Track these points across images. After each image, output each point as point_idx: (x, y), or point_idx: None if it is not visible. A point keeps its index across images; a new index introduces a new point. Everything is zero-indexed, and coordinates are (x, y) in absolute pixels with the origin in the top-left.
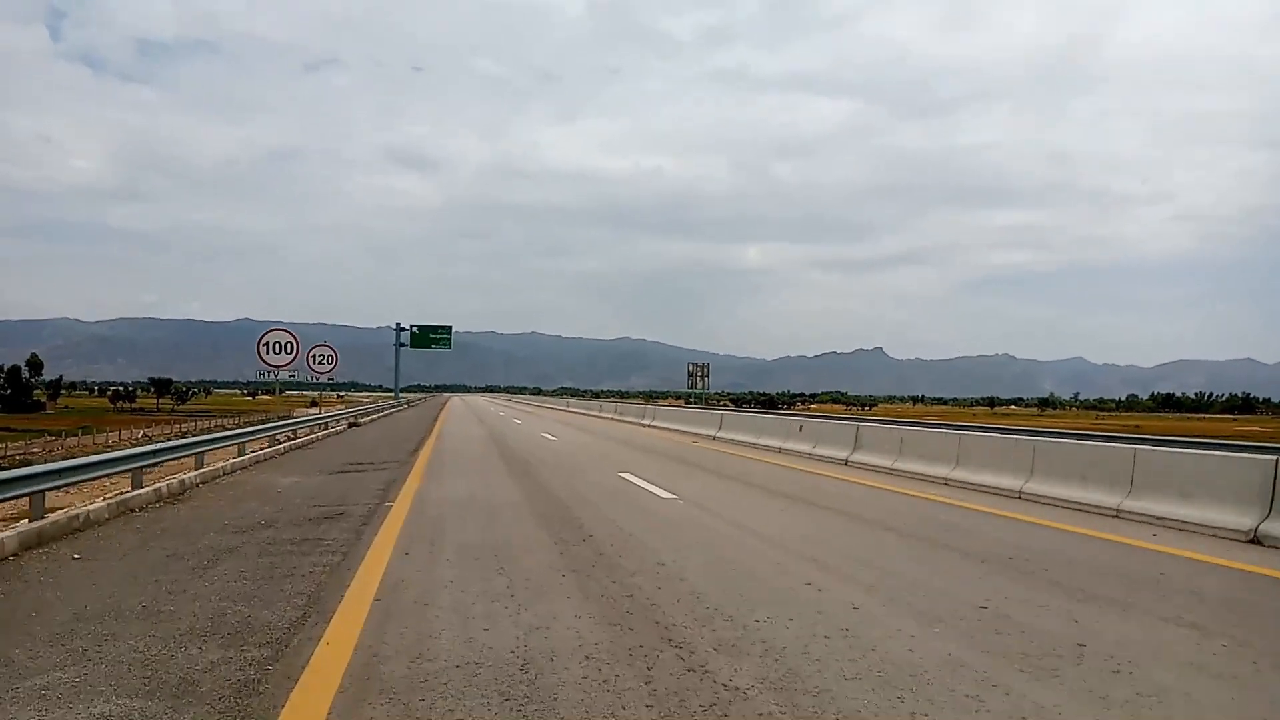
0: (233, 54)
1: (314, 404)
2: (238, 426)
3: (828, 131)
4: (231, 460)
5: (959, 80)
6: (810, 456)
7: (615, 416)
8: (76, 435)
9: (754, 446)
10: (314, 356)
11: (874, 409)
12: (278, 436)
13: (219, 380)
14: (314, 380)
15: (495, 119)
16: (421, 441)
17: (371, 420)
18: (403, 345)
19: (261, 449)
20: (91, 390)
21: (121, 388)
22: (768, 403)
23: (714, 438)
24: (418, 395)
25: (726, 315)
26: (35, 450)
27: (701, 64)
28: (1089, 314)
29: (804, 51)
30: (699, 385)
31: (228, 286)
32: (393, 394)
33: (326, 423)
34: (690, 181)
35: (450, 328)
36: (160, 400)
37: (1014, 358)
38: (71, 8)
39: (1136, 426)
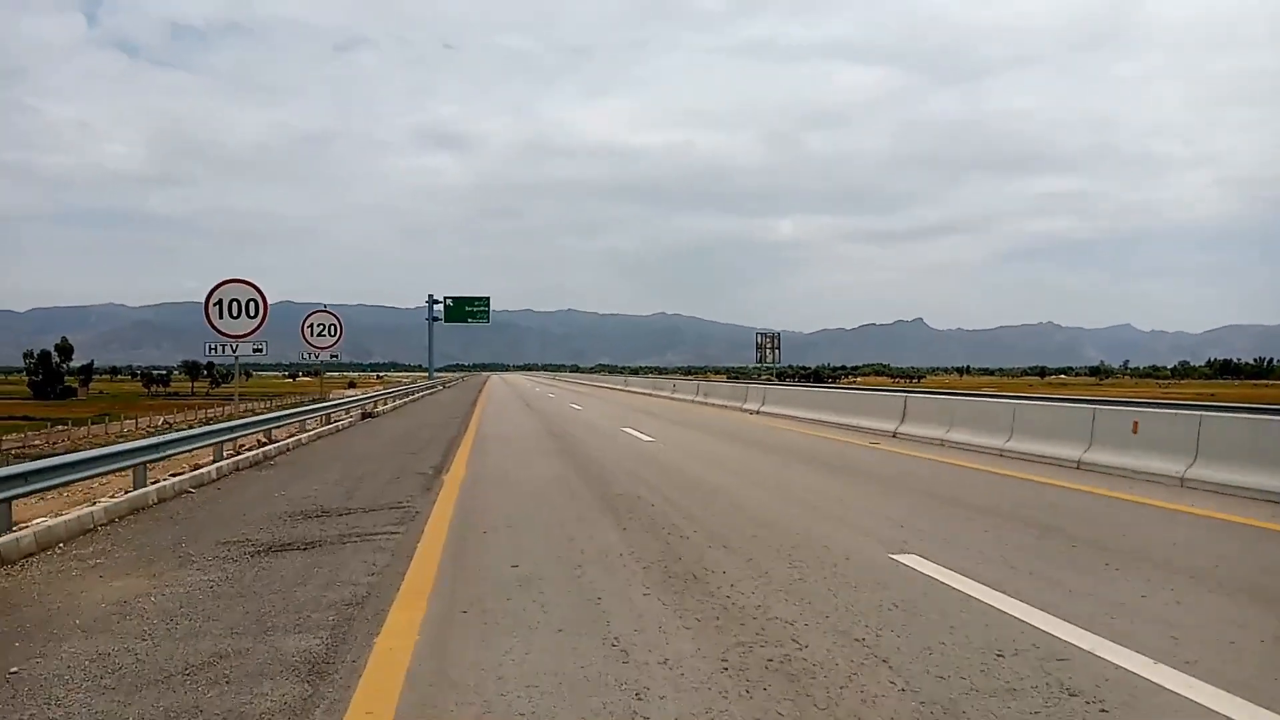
0: (263, 36)
1: (352, 385)
2: (261, 412)
3: (860, 101)
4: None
5: (994, 44)
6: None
7: (699, 399)
8: (87, 425)
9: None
10: (310, 327)
11: (922, 381)
12: (266, 436)
13: (261, 363)
14: (311, 358)
15: (526, 96)
16: (448, 455)
17: (394, 408)
18: (436, 319)
19: (249, 449)
20: (134, 375)
21: (156, 372)
22: (813, 376)
23: (934, 442)
24: (455, 374)
25: (762, 289)
26: (37, 443)
27: (731, 35)
28: (1134, 280)
29: (835, 19)
30: (768, 358)
31: (267, 269)
32: (423, 371)
33: (329, 413)
34: (722, 155)
35: (488, 299)
36: (194, 384)
37: (1058, 326)
38: None
39: (1212, 395)
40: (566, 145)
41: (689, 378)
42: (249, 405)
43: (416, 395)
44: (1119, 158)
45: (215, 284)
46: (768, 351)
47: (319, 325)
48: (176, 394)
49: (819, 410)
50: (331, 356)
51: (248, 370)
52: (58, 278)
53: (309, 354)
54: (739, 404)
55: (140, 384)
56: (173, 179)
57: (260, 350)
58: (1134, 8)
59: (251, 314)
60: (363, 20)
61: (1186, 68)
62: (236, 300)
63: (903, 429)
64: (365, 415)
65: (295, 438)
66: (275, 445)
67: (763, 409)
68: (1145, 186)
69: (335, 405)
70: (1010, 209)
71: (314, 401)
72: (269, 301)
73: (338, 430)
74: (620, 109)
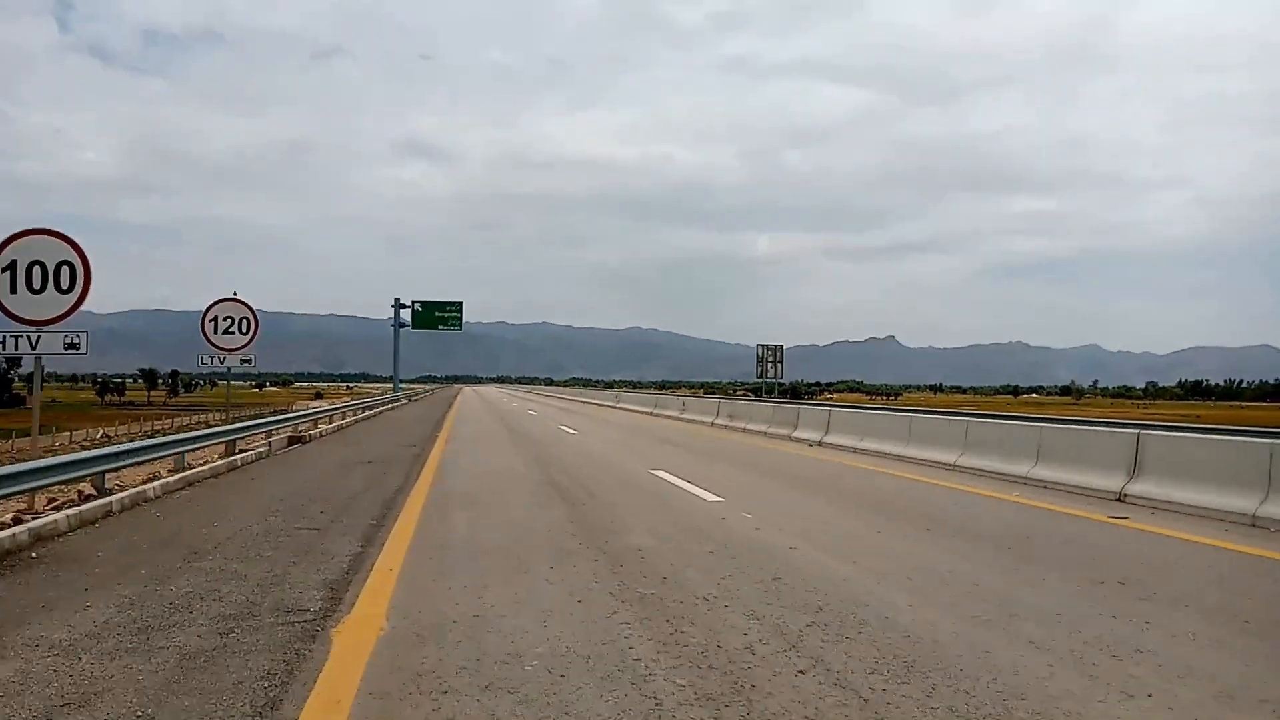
0: (241, 44)
1: (318, 395)
2: (205, 426)
3: (840, 119)
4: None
5: (972, 65)
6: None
7: (725, 422)
8: (11, 439)
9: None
10: (213, 321)
11: (897, 399)
12: (181, 462)
13: (234, 373)
14: (214, 363)
15: (506, 108)
16: (372, 542)
17: (337, 428)
18: (404, 326)
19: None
20: (96, 383)
21: (113, 380)
22: (790, 393)
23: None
24: (427, 386)
25: (738, 304)
26: None
27: (712, 51)
28: (1103, 301)
29: (815, 38)
30: (770, 373)
31: (240, 279)
32: (403, 384)
33: (238, 439)
34: (701, 170)
35: (460, 305)
36: (151, 393)
37: (1028, 345)
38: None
39: (1198, 416)
40: (546, 158)
41: (706, 396)
42: (201, 417)
43: (373, 411)
44: (1092, 178)
45: (212, 302)
46: (769, 365)
47: (226, 319)
48: (132, 403)
49: (907, 442)
50: (243, 362)
51: (214, 380)
52: None
53: (213, 357)
54: (787, 431)
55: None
56: (146, 186)
57: (249, 362)
58: (1108, 31)
59: (244, 330)
60: (341, 30)
61: (1160, 90)
62: (231, 317)
63: (1035, 471)
64: (293, 440)
65: (152, 482)
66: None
67: (826, 439)
68: (1116, 208)
69: (251, 427)
70: (985, 228)
71: (255, 418)
72: None
73: (233, 468)
74: (600, 123)
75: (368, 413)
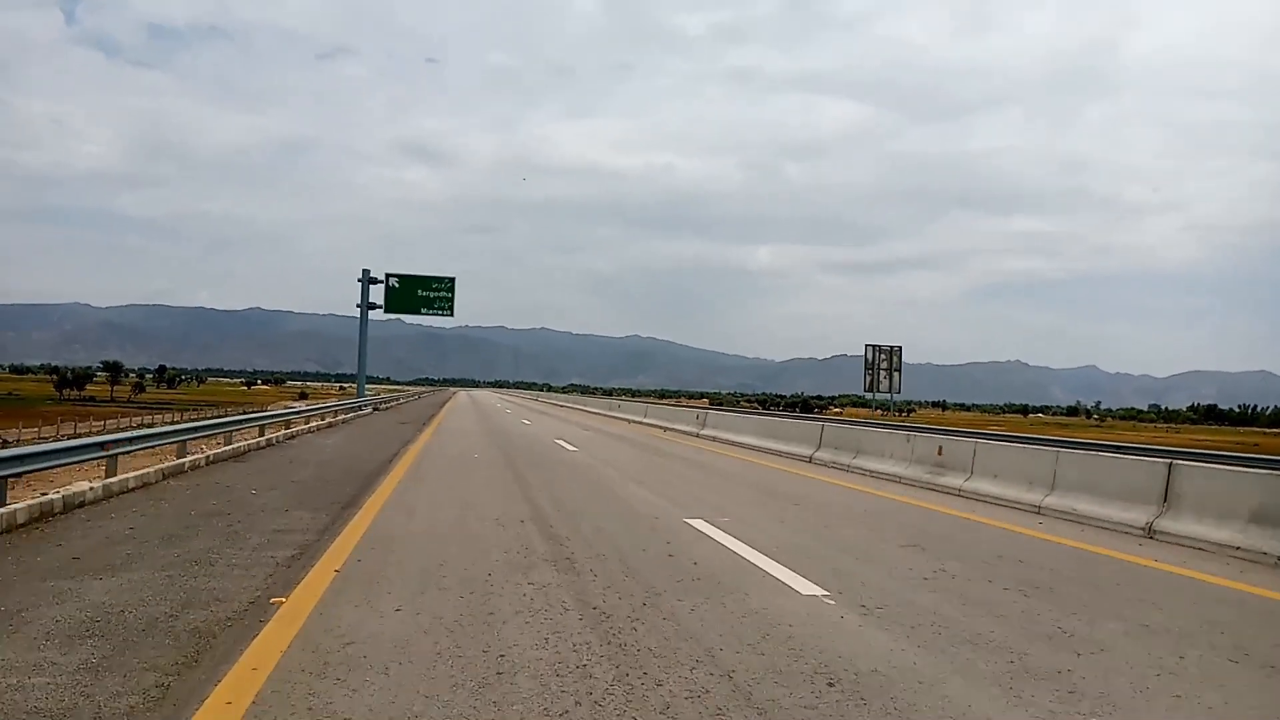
0: (245, 41)
1: (303, 395)
2: (153, 426)
3: (840, 133)
4: None
5: (972, 84)
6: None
7: (780, 447)
8: None
9: None
10: None
11: (911, 415)
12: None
13: (227, 369)
14: None
15: (507, 113)
16: None
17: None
18: (374, 307)
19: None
20: (75, 379)
21: (72, 373)
22: (801, 406)
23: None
24: (419, 389)
25: (736, 315)
26: None
27: (715, 62)
28: (1101, 322)
29: (817, 52)
30: (883, 385)
31: (238, 275)
32: (391, 385)
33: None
34: (702, 180)
35: (452, 281)
36: (114, 388)
37: (1026, 365)
38: None
39: (1256, 445)
40: (547, 163)
41: (725, 409)
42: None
43: (304, 427)
44: (1090, 200)
45: None
46: (881, 374)
47: None
48: (92, 399)
49: (1050, 487)
50: None
51: (200, 376)
52: (22, 275)
53: None
54: (847, 460)
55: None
56: (147, 180)
57: None
58: (1109, 54)
59: None
60: (346, 30)
61: (1158, 115)
62: None
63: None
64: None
65: None
66: None
67: (968, 485)
68: (1114, 230)
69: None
70: (984, 247)
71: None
72: (238, 308)
73: None
74: (602, 130)
75: (302, 425)
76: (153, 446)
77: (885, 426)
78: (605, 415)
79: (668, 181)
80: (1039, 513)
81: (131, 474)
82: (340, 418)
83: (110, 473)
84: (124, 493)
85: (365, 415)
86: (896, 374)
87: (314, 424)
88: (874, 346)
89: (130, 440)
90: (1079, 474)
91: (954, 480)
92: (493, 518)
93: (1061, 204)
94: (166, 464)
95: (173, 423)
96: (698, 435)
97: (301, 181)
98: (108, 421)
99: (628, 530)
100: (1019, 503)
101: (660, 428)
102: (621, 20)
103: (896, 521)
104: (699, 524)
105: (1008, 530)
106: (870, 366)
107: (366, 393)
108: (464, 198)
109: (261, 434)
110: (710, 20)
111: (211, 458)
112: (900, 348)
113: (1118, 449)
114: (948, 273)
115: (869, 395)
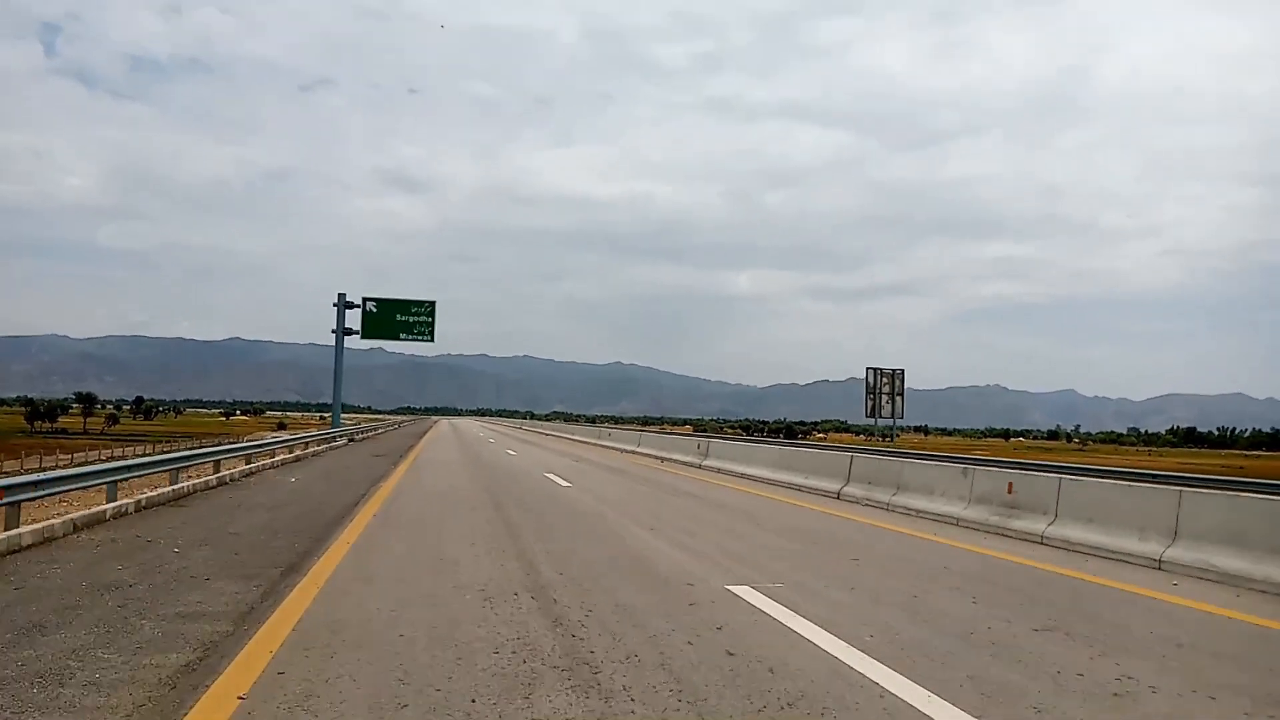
0: (226, 73)
1: (281, 426)
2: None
3: (819, 161)
4: None
5: (949, 112)
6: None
7: (810, 483)
8: None
9: None
10: None
11: (895, 441)
12: None
13: (206, 400)
14: None
15: (489, 142)
16: None
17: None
18: (350, 333)
19: None
20: (60, 408)
21: (44, 405)
22: (785, 432)
23: None
24: (400, 418)
25: (717, 342)
26: None
27: (694, 91)
28: (1079, 346)
29: (796, 81)
30: (884, 409)
31: (218, 306)
32: (373, 414)
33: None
34: (682, 208)
35: (432, 306)
36: (87, 420)
37: (1006, 389)
38: (65, 23)
39: (1241, 468)
40: (528, 192)
41: (724, 436)
42: (134, 449)
43: (267, 461)
44: (1066, 226)
45: None
46: (883, 398)
47: None
48: (64, 431)
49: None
50: None
51: (177, 408)
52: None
53: None
54: (886, 497)
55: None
56: (127, 212)
57: None
58: (1083, 82)
59: None
60: (328, 61)
61: (1133, 141)
62: None
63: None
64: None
65: None
66: None
67: (1052, 531)
68: (1091, 255)
69: None
70: (962, 272)
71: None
72: (218, 338)
73: None
74: (583, 159)
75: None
76: (67, 491)
77: (901, 455)
78: (595, 444)
79: (649, 209)
80: (1159, 567)
81: (28, 528)
82: (311, 450)
83: (11, 524)
84: (13, 552)
85: (339, 447)
86: (899, 398)
87: (280, 457)
88: (875, 370)
89: (37, 484)
90: (1212, 518)
91: (1032, 524)
92: (477, 587)
93: (1039, 229)
94: (80, 512)
95: (107, 459)
96: (700, 466)
97: (283, 211)
98: (74, 455)
99: (659, 607)
100: (1129, 555)
101: (656, 458)
102: (602, 50)
103: (1004, 586)
104: (747, 594)
105: (1165, 602)
106: (872, 391)
107: (344, 422)
108: (446, 227)
109: (216, 470)
110: (689, 50)
111: (144, 502)
112: (902, 370)
113: (1200, 481)
114: (927, 298)
115: (871, 421)
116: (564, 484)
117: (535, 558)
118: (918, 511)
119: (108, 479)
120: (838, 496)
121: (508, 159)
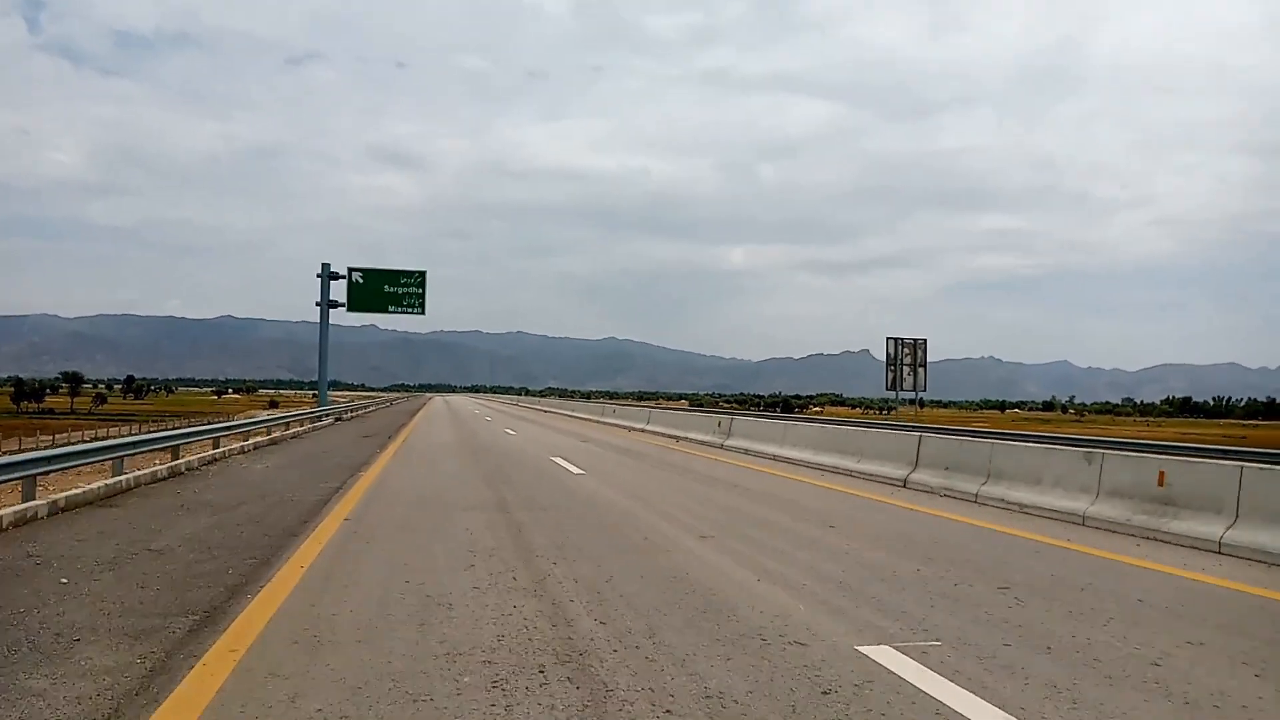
0: (214, 48)
1: (273, 404)
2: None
3: (813, 134)
4: None
5: (943, 84)
6: None
7: (819, 458)
8: None
9: None
10: None
11: (893, 414)
12: None
13: (198, 378)
14: None
15: (480, 117)
16: None
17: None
18: (335, 305)
19: None
20: (49, 389)
21: (36, 384)
22: (781, 406)
23: None
24: (393, 394)
25: (712, 316)
26: None
27: (687, 64)
28: (1072, 318)
29: (789, 53)
30: (906, 381)
31: (209, 283)
32: (367, 391)
33: None
34: (676, 182)
35: (422, 276)
36: (75, 400)
37: (999, 361)
38: None
39: (1244, 438)
40: (521, 167)
41: (747, 412)
42: (120, 429)
43: (237, 445)
44: (1060, 197)
45: None
46: (904, 370)
47: None
48: (51, 411)
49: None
50: None
51: (169, 386)
52: None
53: None
54: (975, 487)
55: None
56: (115, 189)
57: None
58: (1077, 53)
59: None
60: (315, 35)
61: (1125, 112)
62: None
63: None
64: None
65: None
66: None
67: (1233, 538)
68: (1084, 226)
69: None
70: (956, 244)
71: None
72: (210, 316)
73: None
74: (576, 133)
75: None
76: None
77: (981, 435)
78: (597, 422)
79: (642, 183)
80: None
81: None
82: (292, 430)
83: None
84: None
85: (324, 427)
86: (921, 370)
87: (254, 440)
88: (896, 340)
89: None
90: None
91: (1202, 528)
92: (481, 657)
93: (1032, 201)
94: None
95: (29, 449)
96: (721, 447)
97: (272, 188)
98: (56, 436)
99: (775, 690)
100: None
101: (670, 437)
102: (592, 23)
103: (1267, 639)
104: (894, 661)
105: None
106: (893, 362)
107: (336, 400)
108: (438, 203)
109: (175, 457)
110: (681, 21)
111: (64, 502)
112: (924, 341)
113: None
114: (921, 270)
115: (892, 394)
116: (576, 471)
117: (560, 592)
118: (1020, 506)
119: (22, 473)
120: (904, 484)
121: (499, 133)
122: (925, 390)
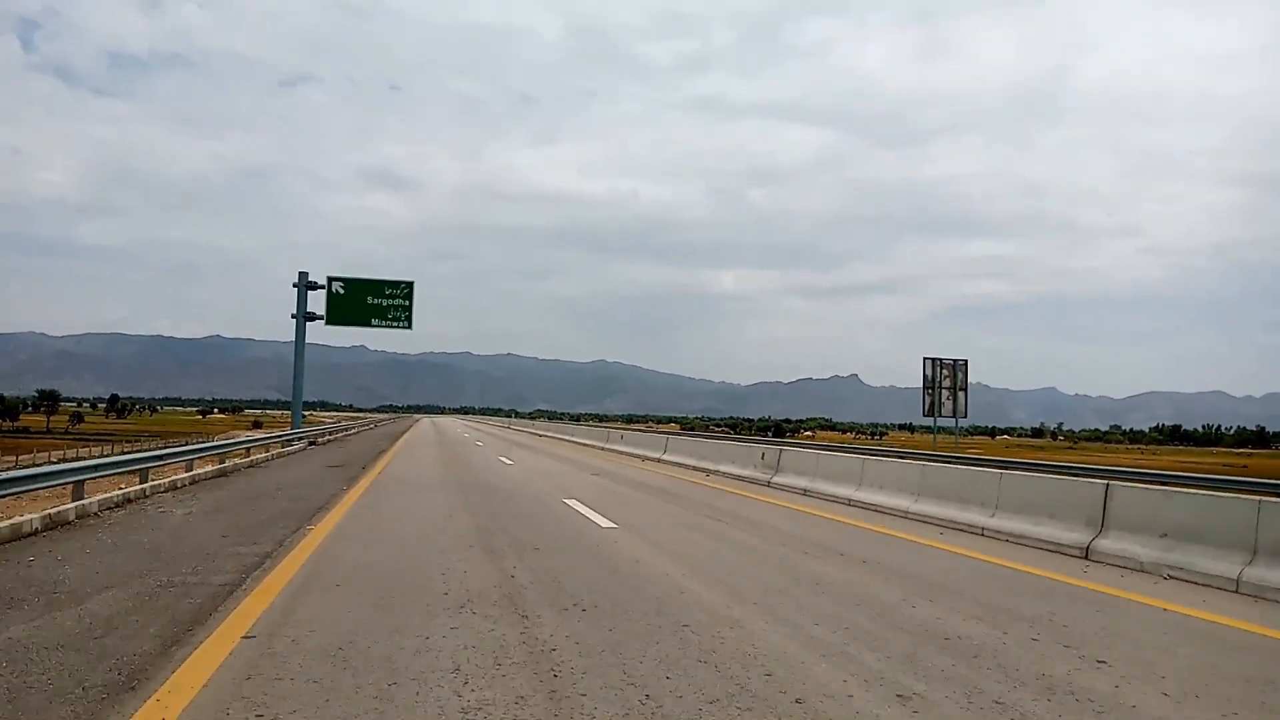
0: (207, 69)
1: (257, 424)
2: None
3: (802, 159)
4: None
5: (931, 111)
6: None
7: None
8: None
9: None
10: None
11: (884, 439)
12: None
13: (185, 398)
14: None
15: (472, 140)
16: None
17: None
18: (313, 318)
19: None
20: (31, 407)
21: (9, 402)
22: (773, 430)
23: None
24: (373, 417)
25: (701, 340)
26: None
27: (678, 90)
28: (1060, 345)
29: (780, 80)
30: (945, 405)
31: (198, 303)
32: (355, 412)
33: None
34: (667, 206)
35: (410, 286)
36: (50, 419)
37: (987, 387)
38: (44, 19)
39: (1245, 467)
40: (513, 190)
41: (785, 441)
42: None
43: (164, 480)
44: (1047, 225)
45: None
46: (943, 393)
47: None
48: (26, 430)
49: None
50: None
51: (153, 406)
52: None
53: None
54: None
55: None
56: (106, 209)
57: None
58: (1063, 82)
59: None
60: (308, 57)
61: (1112, 141)
62: None
63: None
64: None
65: None
66: None
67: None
68: (1071, 254)
69: None
70: (944, 270)
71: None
72: (198, 335)
73: None
74: (567, 157)
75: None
76: None
77: (956, 460)
78: (603, 449)
79: (633, 207)
80: None
81: None
82: (252, 456)
83: None
84: None
85: (292, 453)
86: (961, 393)
87: (196, 471)
88: (935, 360)
89: None
90: None
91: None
92: None
93: (1019, 228)
94: None
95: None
96: (769, 485)
97: (264, 209)
98: (19, 456)
99: None
100: None
101: (697, 469)
102: (585, 48)
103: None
104: None
105: None
106: (931, 385)
107: (322, 420)
108: (430, 224)
109: (78, 498)
110: (673, 48)
111: None
112: (966, 361)
113: None
114: (910, 296)
115: (929, 420)
116: (604, 524)
117: None
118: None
119: None
120: (1085, 555)
121: (491, 156)
122: (965, 415)
